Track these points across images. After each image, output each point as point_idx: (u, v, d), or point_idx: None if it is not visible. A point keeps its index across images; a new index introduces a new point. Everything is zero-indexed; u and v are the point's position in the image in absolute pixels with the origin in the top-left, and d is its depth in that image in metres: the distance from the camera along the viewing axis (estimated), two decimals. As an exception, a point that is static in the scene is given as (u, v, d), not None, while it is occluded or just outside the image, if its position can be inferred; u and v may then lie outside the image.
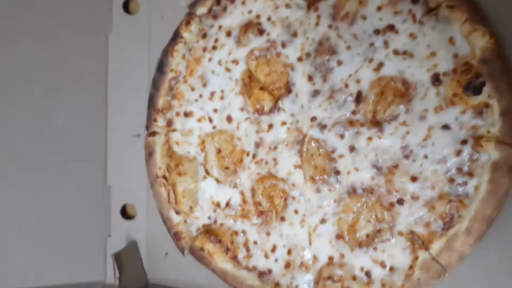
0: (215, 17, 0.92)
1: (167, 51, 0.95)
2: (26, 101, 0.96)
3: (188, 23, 0.93)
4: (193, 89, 0.93)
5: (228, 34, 0.90)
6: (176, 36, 0.94)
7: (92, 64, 1.02)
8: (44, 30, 0.99)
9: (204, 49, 0.93)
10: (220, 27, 0.92)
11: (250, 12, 0.89)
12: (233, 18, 0.91)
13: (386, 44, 0.79)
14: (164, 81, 0.95)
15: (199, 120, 0.93)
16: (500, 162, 0.72)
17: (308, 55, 0.84)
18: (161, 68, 0.95)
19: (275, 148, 0.88)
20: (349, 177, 0.83)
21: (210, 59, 0.92)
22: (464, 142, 0.75)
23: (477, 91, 0.72)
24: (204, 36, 0.93)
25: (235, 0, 0.91)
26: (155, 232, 1.01)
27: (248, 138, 0.90)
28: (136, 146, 1.01)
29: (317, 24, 0.84)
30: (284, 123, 0.87)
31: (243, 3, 0.90)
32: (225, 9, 0.91)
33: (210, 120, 0.92)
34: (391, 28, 0.79)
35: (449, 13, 0.75)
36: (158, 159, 0.96)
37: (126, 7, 1.03)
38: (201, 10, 0.93)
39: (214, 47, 0.92)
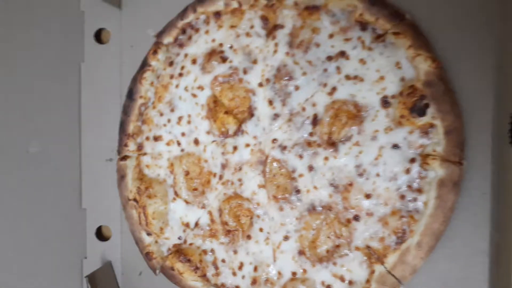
0: (181, 45, 0.96)
1: (136, 79, 0.99)
2: (1, 128, 0.99)
3: (155, 52, 0.97)
4: (161, 114, 0.97)
5: (194, 61, 0.95)
6: (144, 64, 0.99)
7: (65, 92, 1.05)
8: (19, 59, 1.02)
9: (171, 76, 0.97)
10: (186, 55, 0.96)
11: (213, 40, 0.94)
12: (198, 47, 0.95)
13: (338, 69, 0.84)
14: (134, 107, 0.99)
15: (168, 144, 0.97)
16: (445, 179, 0.76)
17: (267, 80, 0.89)
18: (130, 95, 1.00)
19: (240, 169, 0.92)
20: (309, 195, 0.87)
21: (177, 86, 0.96)
22: (412, 160, 0.79)
23: (422, 112, 0.77)
24: (171, 64, 0.97)
25: (199, 30, 0.95)
26: (130, 252, 1.04)
27: (215, 160, 0.94)
28: (109, 169, 1.05)
29: (275, 51, 0.88)
30: (247, 145, 0.91)
31: (206, 32, 0.94)
32: (190, 38, 0.96)
33: (179, 144, 0.96)
34: (342, 54, 0.83)
35: (395, 39, 0.80)
36: (129, 182, 0.99)
37: (97, 37, 1.08)
38: (167, 39, 0.97)
39: (180, 74, 0.96)
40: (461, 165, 0.76)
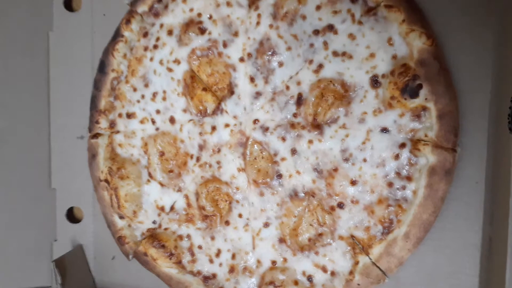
0: (157, 15, 0.89)
1: (108, 51, 0.92)
2: (-39, 103, 0.92)
3: (128, 21, 0.89)
4: (135, 89, 0.90)
5: (170, 32, 0.87)
6: (116, 35, 0.91)
7: (32, 64, 0.98)
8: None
9: (146, 48, 0.90)
10: (161, 26, 0.88)
11: (191, 10, 0.86)
12: (175, 16, 0.87)
13: (325, 45, 0.77)
14: (105, 81, 0.92)
15: (141, 122, 0.91)
16: (436, 167, 0.71)
17: (249, 55, 0.82)
18: (102, 68, 0.92)
19: (219, 150, 0.86)
20: (291, 181, 0.81)
21: (151, 59, 0.89)
22: (402, 145, 0.73)
23: (414, 94, 0.71)
24: (145, 34, 0.90)
25: None
26: (102, 235, 0.98)
27: (192, 140, 0.87)
28: (81, 148, 0.99)
29: (258, 23, 0.81)
30: (227, 125, 0.85)
31: (184, 0, 0.86)
32: (166, 6, 0.88)
33: (153, 122, 0.90)
34: (330, 28, 0.76)
35: (387, 13, 0.73)
36: (101, 162, 0.93)
37: (67, 4, 1.00)
38: (142, 7, 0.89)
39: (155, 46, 0.89)
40: (454, 152, 0.71)
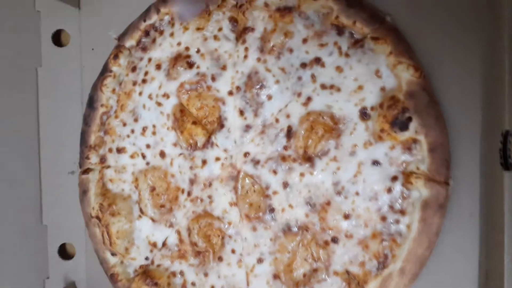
0: (144, 49, 0.88)
1: (97, 86, 0.91)
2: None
3: (116, 56, 0.89)
4: (124, 124, 0.89)
5: (158, 67, 0.87)
6: (105, 70, 0.90)
7: (22, 99, 0.97)
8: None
9: (134, 83, 0.89)
10: (149, 60, 0.88)
11: (179, 44, 0.85)
12: (163, 51, 0.87)
13: (313, 77, 0.76)
14: (95, 116, 0.91)
15: (132, 156, 0.89)
16: (429, 201, 0.70)
17: (238, 88, 0.81)
18: (91, 103, 0.92)
19: (210, 184, 0.85)
20: (284, 215, 0.80)
21: (140, 93, 0.88)
22: (394, 178, 0.72)
23: (404, 127, 0.70)
24: (133, 69, 0.89)
25: (163, 32, 0.87)
26: (95, 271, 0.97)
27: (182, 174, 0.86)
28: (72, 183, 0.97)
29: (245, 57, 0.80)
30: (218, 159, 0.84)
31: (171, 34, 0.86)
32: (154, 41, 0.88)
33: (143, 156, 0.89)
34: (317, 61, 0.76)
35: (374, 45, 0.72)
36: (92, 198, 0.92)
37: (55, 39, 0.99)
38: (130, 42, 0.89)
39: (144, 81, 0.88)
40: (447, 186, 0.69)
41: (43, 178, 1.00)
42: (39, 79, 0.99)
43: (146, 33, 0.88)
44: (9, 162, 0.96)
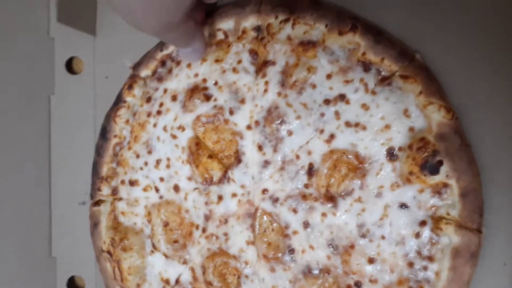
0: (160, 79, 0.86)
1: (110, 117, 0.88)
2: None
3: (131, 87, 0.86)
4: (138, 156, 0.87)
5: (174, 98, 0.84)
6: (118, 101, 0.88)
7: (33, 128, 0.95)
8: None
9: (149, 114, 0.86)
10: (165, 91, 0.85)
11: (196, 75, 0.83)
12: (179, 81, 0.84)
13: (337, 114, 0.73)
14: (108, 147, 0.89)
15: (145, 190, 0.86)
16: (461, 248, 0.66)
17: (257, 123, 0.78)
18: (104, 134, 0.89)
19: (226, 221, 0.81)
20: (304, 256, 0.76)
21: (155, 125, 0.86)
22: (423, 223, 0.69)
23: (435, 171, 0.66)
24: (148, 100, 0.86)
25: (180, 62, 0.84)
26: (105, 306, 0.93)
27: (197, 210, 0.83)
28: (83, 214, 0.94)
29: (265, 90, 0.77)
30: (234, 195, 0.81)
31: (188, 65, 0.83)
32: (170, 71, 0.85)
33: (157, 190, 0.86)
34: (342, 97, 0.72)
35: (403, 83, 0.69)
36: (103, 231, 0.89)
37: (69, 67, 0.97)
38: (145, 72, 0.87)
39: (159, 112, 0.85)
40: (479, 233, 0.66)
41: (53, 208, 0.97)
42: (51, 107, 0.96)
43: (163, 63, 0.86)
44: (19, 191, 0.94)
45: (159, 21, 0.60)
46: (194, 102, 0.82)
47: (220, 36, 0.81)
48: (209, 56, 0.82)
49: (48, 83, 0.95)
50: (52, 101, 0.96)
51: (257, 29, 0.78)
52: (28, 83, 0.94)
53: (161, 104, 0.85)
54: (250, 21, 0.78)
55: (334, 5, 0.74)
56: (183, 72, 0.84)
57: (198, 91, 0.82)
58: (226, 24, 0.80)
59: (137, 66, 0.88)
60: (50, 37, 0.94)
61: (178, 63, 0.85)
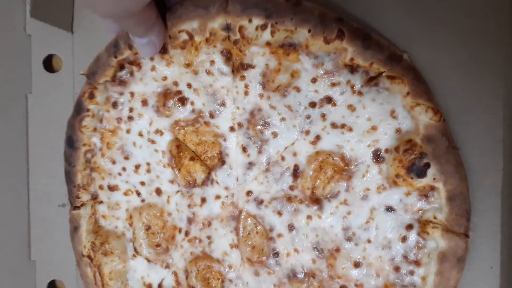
0: (123, 83, 0.79)
1: (74, 126, 0.82)
2: None
3: (92, 95, 0.80)
4: (113, 162, 0.83)
5: (144, 102, 0.79)
6: (80, 109, 0.81)
7: (10, 127, 0.91)
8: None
9: (119, 120, 0.81)
10: (132, 94, 0.79)
11: (164, 78, 0.77)
12: (145, 85, 0.78)
13: (323, 116, 0.71)
14: (78, 155, 0.83)
15: (125, 194, 0.84)
16: (447, 253, 0.65)
17: (240, 125, 0.76)
18: (71, 143, 0.83)
19: (209, 224, 0.79)
20: (289, 259, 0.75)
21: (128, 131, 0.81)
22: (409, 227, 0.67)
23: (422, 173, 0.65)
24: (114, 105, 0.81)
25: (141, 65, 0.77)
26: (87, 311, 0.91)
27: (180, 213, 0.81)
28: (63, 216, 0.91)
29: (246, 93, 0.74)
30: (218, 197, 0.79)
31: (152, 68, 0.77)
32: (132, 74, 0.78)
33: (138, 194, 0.83)
34: (328, 100, 0.71)
35: (390, 84, 0.67)
36: (83, 235, 0.86)
37: (47, 64, 0.93)
38: (103, 79, 0.79)
39: (130, 118, 0.80)
40: (466, 238, 0.65)
41: (31, 211, 0.94)
42: (29, 106, 0.93)
43: (121, 67, 0.78)
44: (-4, 194, 0.90)
45: (117, 6, 0.56)
46: (169, 107, 0.78)
47: (183, 37, 0.72)
48: (175, 59, 0.75)
49: (25, 82, 0.92)
50: (29, 99, 0.93)
51: (227, 28, 0.70)
52: (4, 82, 0.91)
53: (131, 109, 0.80)
54: (218, 22, 0.70)
55: (315, 5, 0.67)
56: (148, 76, 0.78)
57: (171, 96, 0.78)
58: (189, 25, 0.71)
59: (91, 75, 0.80)
60: (27, 34, 0.91)
61: (139, 65, 0.78)
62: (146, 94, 0.79)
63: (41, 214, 0.94)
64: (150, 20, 0.65)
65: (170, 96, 0.77)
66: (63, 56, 0.92)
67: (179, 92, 0.77)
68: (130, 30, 0.68)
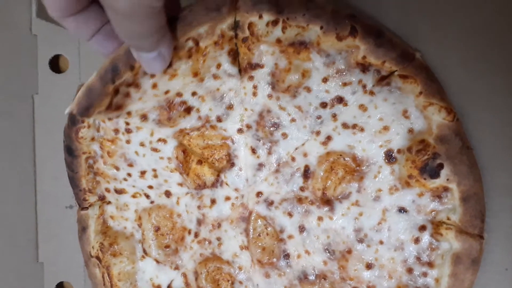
0: (120, 107, 0.72)
1: (71, 137, 0.77)
2: None
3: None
4: (117, 168, 0.80)
5: (144, 118, 0.74)
6: (74, 121, 0.74)
7: (16, 129, 0.91)
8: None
9: (117, 131, 0.76)
10: (129, 114, 0.74)
11: (167, 92, 0.71)
12: (144, 103, 0.72)
13: (334, 116, 0.70)
14: (79, 162, 0.80)
15: (133, 196, 0.83)
16: (461, 254, 0.64)
17: (248, 126, 0.74)
18: (70, 152, 0.79)
19: (219, 226, 0.79)
20: (300, 261, 0.74)
21: (128, 141, 0.77)
22: (422, 228, 0.67)
23: (435, 174, 0.64)
24: (110, 118, 0.75)
25: (139, 85, 0.69)
26: (95, 312, 0.90)
27: (189, 214, 0.80)
28: (70, 217, 0.91)
29: (254, 94, 0.73)
30: (228, 198, 0.78)
31: (154, 86, 0.70)
32: (128, 95, 0.71)
33: (147, 196, 0.82)
34: (339, 100, 0.70)
35: (402, 83, 0.66)
36: (91, 236, 0.85)
37: (54, 65, 0.92)
38: (97, 110, 0.71)
39: (128, 130, 0.76)
40: (481, 239, 0.64)
41: (39, 212, 0.93)
42: (35, 107, 0.92)
43: (116, 92, 0.69)
44: (3, 195, 0.90)
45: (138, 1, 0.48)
46: (173, 118, 0.75)
47: (189, 45, 0.66)
48: (180, 71, 0.69)
49: (31, 82, 0.91)
50: (35, 100, 0.92)
51: (235, 26, 0.67)
52: (10, 82, 0.90)
53: (127, 123, 0.76)
54: (227, 22, 0.66)
55: (327, 2, 0.66)
56: (148, 94, 0.71)
57: (174, 107, 0.73)
58: (196, 31, 0.65)
59: (84, 111, 0.71)
60: (33, 34, 0.90)
61: (137, 86, 0.69)
62: (146, 109, 0.74)
63: (48, 215, 0.94)
64: (162, 28, 0.57)
65: (172, 108, 0.74)
66: (69, 56, 0.91)
67: (184, 102, 0.73)
68: (138, 42, 0.59)
